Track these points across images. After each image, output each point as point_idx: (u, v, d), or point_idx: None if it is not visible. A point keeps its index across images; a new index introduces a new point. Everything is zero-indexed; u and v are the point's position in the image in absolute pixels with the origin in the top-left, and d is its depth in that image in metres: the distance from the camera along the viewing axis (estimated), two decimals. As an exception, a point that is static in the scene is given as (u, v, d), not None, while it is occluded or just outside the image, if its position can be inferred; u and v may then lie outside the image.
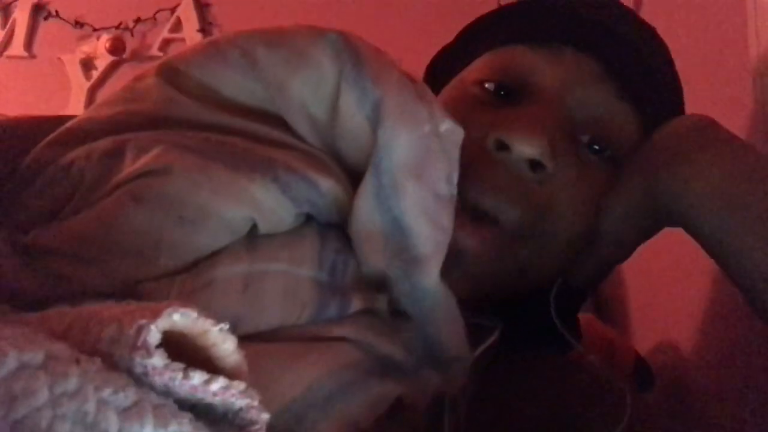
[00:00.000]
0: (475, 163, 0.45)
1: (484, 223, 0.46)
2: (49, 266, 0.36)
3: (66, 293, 0.35)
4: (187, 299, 0.35)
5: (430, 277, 0.40)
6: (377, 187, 0.40)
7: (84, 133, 0.41)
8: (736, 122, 0.62)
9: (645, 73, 0.50)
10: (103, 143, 0.39)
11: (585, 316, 0.72)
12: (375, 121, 0.40)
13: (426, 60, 0.59)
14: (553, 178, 0.46)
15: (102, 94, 1.74)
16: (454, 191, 0.41)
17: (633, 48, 0.50)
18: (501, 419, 0.45)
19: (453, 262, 0.42)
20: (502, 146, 0.46)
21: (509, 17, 0.54)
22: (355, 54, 0.41)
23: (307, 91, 0.41)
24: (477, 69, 0.52)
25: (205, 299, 0.35)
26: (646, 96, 0.50)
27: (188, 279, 0.36)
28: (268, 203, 0.38)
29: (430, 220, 0.40)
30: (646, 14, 0.99)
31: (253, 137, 0.40)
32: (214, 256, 0.37)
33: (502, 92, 0.49)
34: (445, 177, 0.41)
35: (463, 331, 0.41)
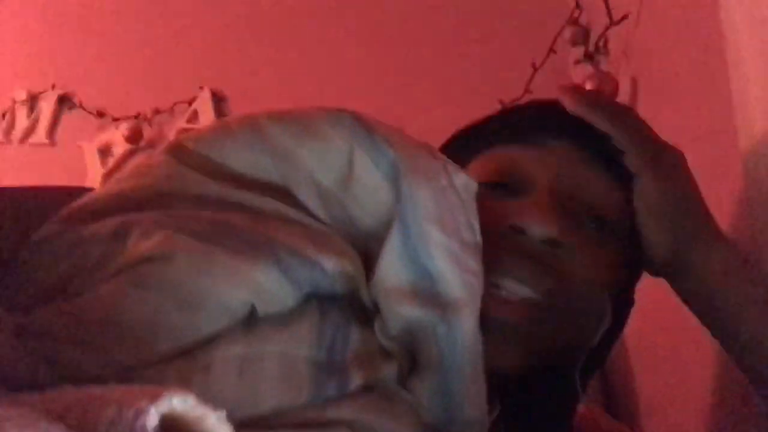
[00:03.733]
0: (494, 249, 0.46)
1: (512, 298, 0.47)
2: (45, 349, 0.36)
3: (64, 377, 0.34)
4: (184, 384, 0.34)
5: (468, 322, 0.40)
6: (404, 240, 0.41)
7: (93, 210, 0.42)
8: (725, 208, 0.63)
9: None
10: (110, 224, 0.40)
11: (593, 409, 0.70)
12: (393, 177, 0.43)
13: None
14: (570, 252, 0.49)
15: (117, 180, 1.79)
16: (479, 239, 0.42)
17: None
18: None
19: (494, 335, 0.43)
20: (518, 232, 0.49)
21: (498, 121, 0.59)
22: (365, 123, 0.44)
23: (315, 160, 0.43)
24: (473, 171, 0.54)
25: (203, 384, 0.35)
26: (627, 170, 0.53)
27: (185, 364, 0.36)
28: (269, 286, 0.38)
29: (458, 264, 0.41)
30: (641, 105, 1.03)
31: (258, 212, 0.41)
32: (212, 339, 0.37)
33: (501, 189, 0.53)
34: (467, 225, 0.42)
35: (485, 392, 0.41)
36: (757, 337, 0.47)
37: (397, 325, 0.41)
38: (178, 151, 0.44)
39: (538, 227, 0.48)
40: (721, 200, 0.66)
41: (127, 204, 0.42)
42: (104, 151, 1.80)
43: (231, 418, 0.34)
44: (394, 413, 0.39)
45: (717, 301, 0.50)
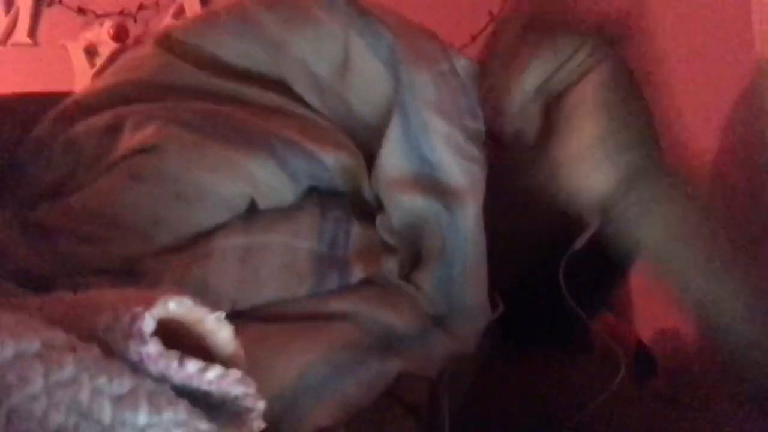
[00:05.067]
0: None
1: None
2: (53, 244, 0.37)
3: (69, 270, 0.36)
4: (185, 271, 0.36)
5: (471, 209, 0.40)
6: (404, 130, 0.40)
7: (85, 105, 0.42)
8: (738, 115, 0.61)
9: None
10: (104, 118, 0.40)
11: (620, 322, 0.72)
12: (392, 63, 0.41)
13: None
14: None
15: (106, 81, 1.74)
16: (482, 126, 0.41)
17: None
18: (495, 413, 0.45)
19: None
20: None
21: None
22: (359, 7, 0.42)
23: (309, 49, 0.41)
24: None
25: (204, 270, 0.36)
26: None
27: (186, 254, 0.37)
28: (265, 179, 0.38)
29: (460, 152, 0.40)
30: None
31: (253, 103, 0.40)
32: (213, 231, 0.37)
33: None
34: (469, 110, 0.41)
35: (486, 281, 0.41)
36: (710, 301, 0.42)
37: (399, 218, 0.41)
38: (167, 42, 0.42)
39: None
40: (733, 94, 0.64)
41: (120, 98, 0.41)
42: (90, 51, 1.74)
43: (232, 308, 0.35)
44: (395, 305, 0.40)
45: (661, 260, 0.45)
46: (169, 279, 0.35)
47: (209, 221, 0.38)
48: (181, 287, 0.28)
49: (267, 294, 0.37)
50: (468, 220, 0.40)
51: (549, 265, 0.48)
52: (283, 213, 0.39)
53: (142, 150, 0.37)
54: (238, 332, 0.28)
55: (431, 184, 0.41)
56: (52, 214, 0.38)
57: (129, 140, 0.38)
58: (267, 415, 0.28)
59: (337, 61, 0.41)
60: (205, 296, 0.31)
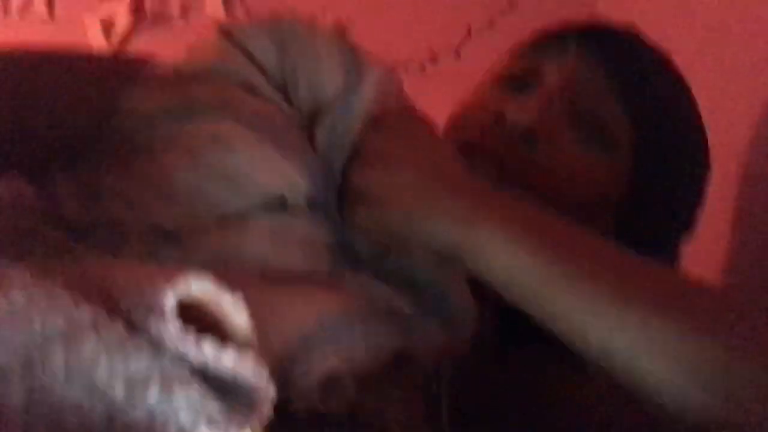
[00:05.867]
0: (477, 135, 0.52)
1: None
2: (104, 205, 0.41)
3: (111, 231, 0.40)
4: (223, 240, 0.41)
5: None
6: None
7: (163, 81, 0.47)
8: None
9: (641, 76, 0.54)
10: (176, 96, 0.45)
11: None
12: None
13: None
14: (547, 155, 0.51)
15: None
16: None
17: (635, 54, 0.55)
18: (491, 410, 0.47)
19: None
20: (500, 120, 0.51)
21: (540, 33, 0.59)
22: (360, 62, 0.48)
23: (310, 98, 0.47)
24: (501, 65, 0.59)
25: (239, 240, 0.41)
26: (638, 98, 0.53)
27: (222, 227, 0.41)
28: (298, 182, 0.44)
29: None
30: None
31: (288, 114, 0.47)
32: (246, 212, 0.43)
33: (513, 84, 0.55)
34: None
35: (468, 291, 0.44)
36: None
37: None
38: (228, 35, 0.49)
39: (516, 117, 0.50)
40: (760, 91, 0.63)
41: (189, 78, 0.47)
42: (107, 25, 1.74)
43: (264, 271, 0.41)
44: (401, 293, 0.44)
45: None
46: (207, 247, 0.40)
47: (247, 204, 0.43)
48: (218, 254, 0.34)
49: (294, 263, 0.42)
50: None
51: None
52: (304, 209, 0.45)
53: (213, 140, 0.43)
54: (267, 283, 0.31)
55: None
56: (110, 177, 0.43)
57: (201, 128, 0.44)
58: (284, 357, 0.31)
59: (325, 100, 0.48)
60: (240, 260, 0.39)
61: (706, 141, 0.57)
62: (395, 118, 0.48)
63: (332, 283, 0.42)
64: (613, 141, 0.52)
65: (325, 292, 0.41)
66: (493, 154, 0.51)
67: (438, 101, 0.55)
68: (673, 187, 0.56)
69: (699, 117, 0.57)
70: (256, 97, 0.46)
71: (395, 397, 0.40)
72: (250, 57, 0.47)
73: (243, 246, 0.41)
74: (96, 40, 1.74)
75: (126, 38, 1.74)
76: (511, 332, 0.49)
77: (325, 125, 0.47)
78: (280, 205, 0.44)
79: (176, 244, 0.40)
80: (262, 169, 0.43)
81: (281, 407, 0.29)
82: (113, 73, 0.53)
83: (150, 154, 0.43)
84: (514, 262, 0.39)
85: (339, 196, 0.47)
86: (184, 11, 1.70)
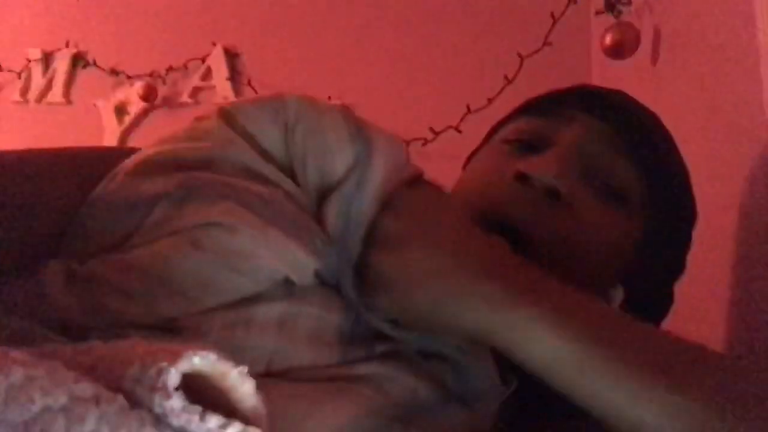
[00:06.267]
0: (500, 195, 0.52)
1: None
2: (98, 297, 0.39)
3: (108, 324, 0.38)
4: (229, 332, 0.39)
5: None
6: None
7: (149, 168, 0.45)
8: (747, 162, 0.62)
9: (643, 134, 0.56)
10: (171, 182, 0.43)
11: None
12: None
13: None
14: (572, 207, 0.51)
15: (133, 139, 1.79)
16: None
17: (634, 115, 0.58)
18: None
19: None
20: (522, 178, 0.51)
21: (537, 98, 0.62)
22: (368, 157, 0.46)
23: (318, 177, 0.46)
24: (506, 131, 0.60)
25: (244, 334, 0.39)
26: (645, 153, 0.55)
27: (229, 314, 0.40)
28: (305, 265, 0.42)
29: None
30: (663, 56, 1.00)
31: (293, 196, 0.45)
32: (254, 297, 0.41)
33: (525, 147, 0.56)
34: None
35: (491, 363, 0.43)
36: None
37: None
38: (228, 117, 0.47)
39: (540, 173, 0.50)
40: (745, 156, 0.64)
41: (183, 164, 0.44)
42: (120, 110, 1.80)
43: (269, 369, 0.38)
44: (416, 372, 0.42)
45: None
46: (211, 338, 0.38)
47: (253, 290, 0.41)
48: (222, 347, 0.29)
49: (301, 357, 0.40)
50: None
51: None
52: (316, 288, 0.43)
53: (214, 224, 0.41)
54: (270, 389, 0.29)
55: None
56: (102, 267, 0.40)
57: (196, 212, 0.41)
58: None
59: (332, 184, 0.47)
60: (244, 355, 0.34)
61: (692, 187, 0.60)
62: (409, 194, 0.46)
63: (342, 376, 0.40)
64: (624, 195, 0.54)
65: (334, 398, 0.39)
66: (521, 212, 0.50)
67: (440, 176, 0.55)
68: (678, 234, 0.58)
69: (686, 165, 0.60)
70: (257, 181, 0.44)
71: None
72: (251, 141, 0.46)
73: (248, 340, 0.39)
74: (109, 124, 1.80)
75: (138, 122, 1.80)
76: (527, 399, 0.47)
77: (338, 204, 0.44)
78: (287, 287, 0.42)
79: (175, 336, 0.38)
80: (265, 250, 0.41)
81: None
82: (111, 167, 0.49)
83: (147, 241, 0.41)
84: (554, 347, 0.39)
85: (356, 273, 0.44)
86: (195, 94, 1.77)
